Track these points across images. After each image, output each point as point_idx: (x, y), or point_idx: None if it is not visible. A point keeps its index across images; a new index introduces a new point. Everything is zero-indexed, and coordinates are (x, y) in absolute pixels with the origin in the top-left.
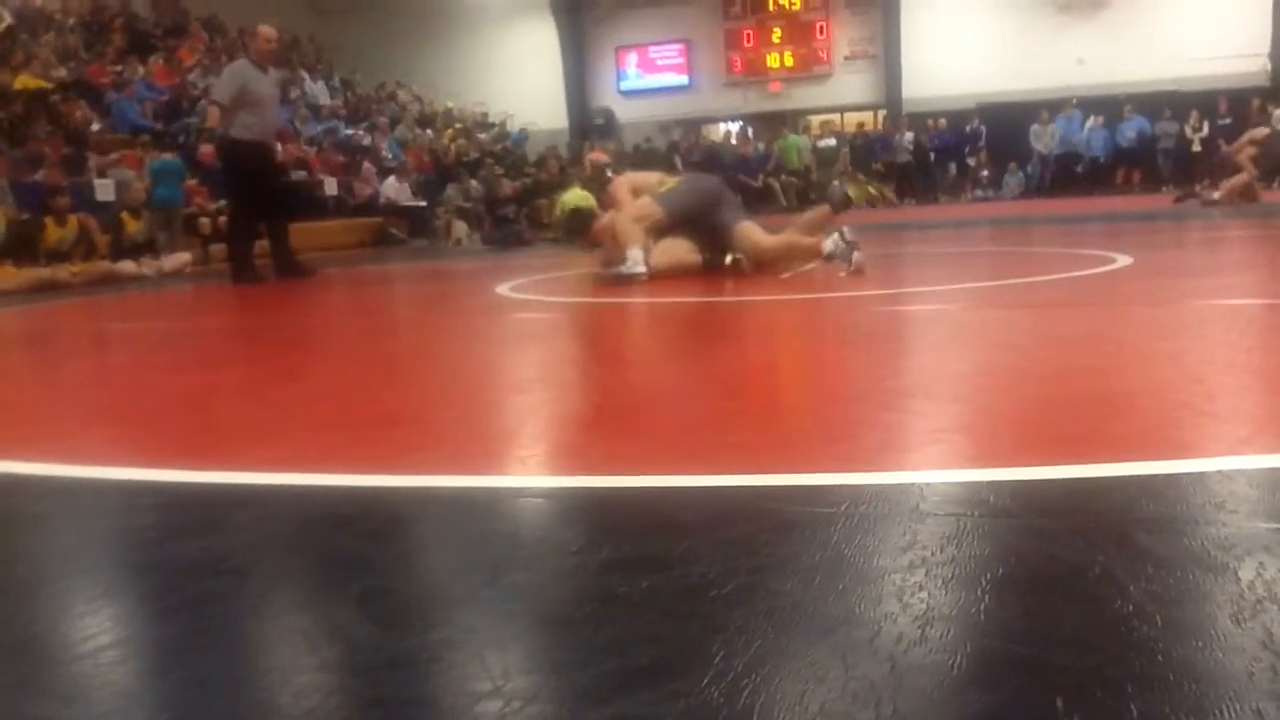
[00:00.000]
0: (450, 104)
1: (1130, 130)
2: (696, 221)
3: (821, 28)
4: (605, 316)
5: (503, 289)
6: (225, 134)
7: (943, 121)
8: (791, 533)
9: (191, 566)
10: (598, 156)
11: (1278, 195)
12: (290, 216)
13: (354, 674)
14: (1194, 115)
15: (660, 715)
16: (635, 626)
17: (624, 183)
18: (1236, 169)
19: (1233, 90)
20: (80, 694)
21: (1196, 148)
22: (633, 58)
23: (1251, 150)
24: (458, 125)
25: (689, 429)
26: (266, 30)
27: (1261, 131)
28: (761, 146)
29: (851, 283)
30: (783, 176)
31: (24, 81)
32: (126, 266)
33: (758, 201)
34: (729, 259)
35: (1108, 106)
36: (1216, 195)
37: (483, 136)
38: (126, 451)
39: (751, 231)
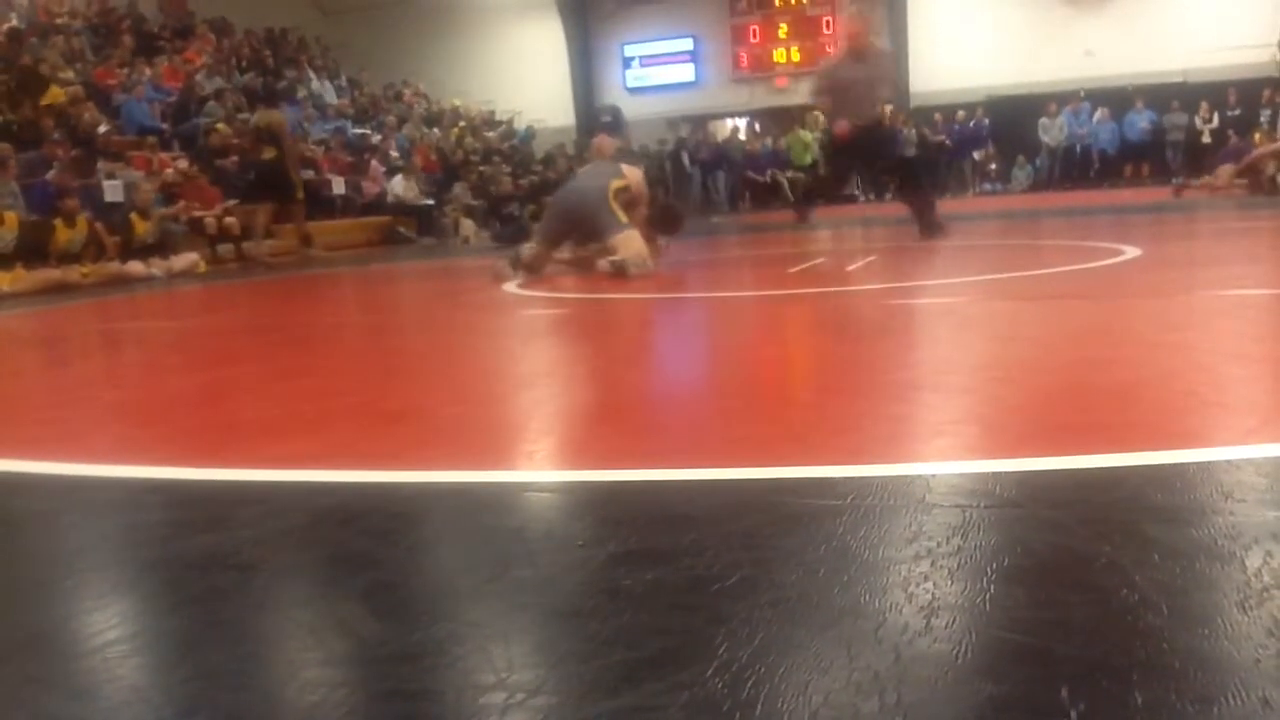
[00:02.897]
0: (457, 102)
1: (1142, 122)
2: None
3: (828, 22)
4: (611, 312)
5: (510, 285)
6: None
7: (960, 113)
8: (797, 525)
9: (200, 562)
10: (604, 142)
11: None
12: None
13: (360, 668)
14: (1204, 106)
15: (665, 706)
16: (640, 619)
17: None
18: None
19: (1242, 81)
20: (90, 689)
21: (1206, 139)
22: (639, 54)
23: (1273, 166)
24: (463, 124)
25: (695, 423)
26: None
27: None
28: (769, 142)
29: (861, 276)
30: (789, 172)
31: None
32: (136, 267)
33: (765, 197)
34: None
35: (1116, 99)
36: (1197, 183)
37: (490, 134)
38: (135, 450)
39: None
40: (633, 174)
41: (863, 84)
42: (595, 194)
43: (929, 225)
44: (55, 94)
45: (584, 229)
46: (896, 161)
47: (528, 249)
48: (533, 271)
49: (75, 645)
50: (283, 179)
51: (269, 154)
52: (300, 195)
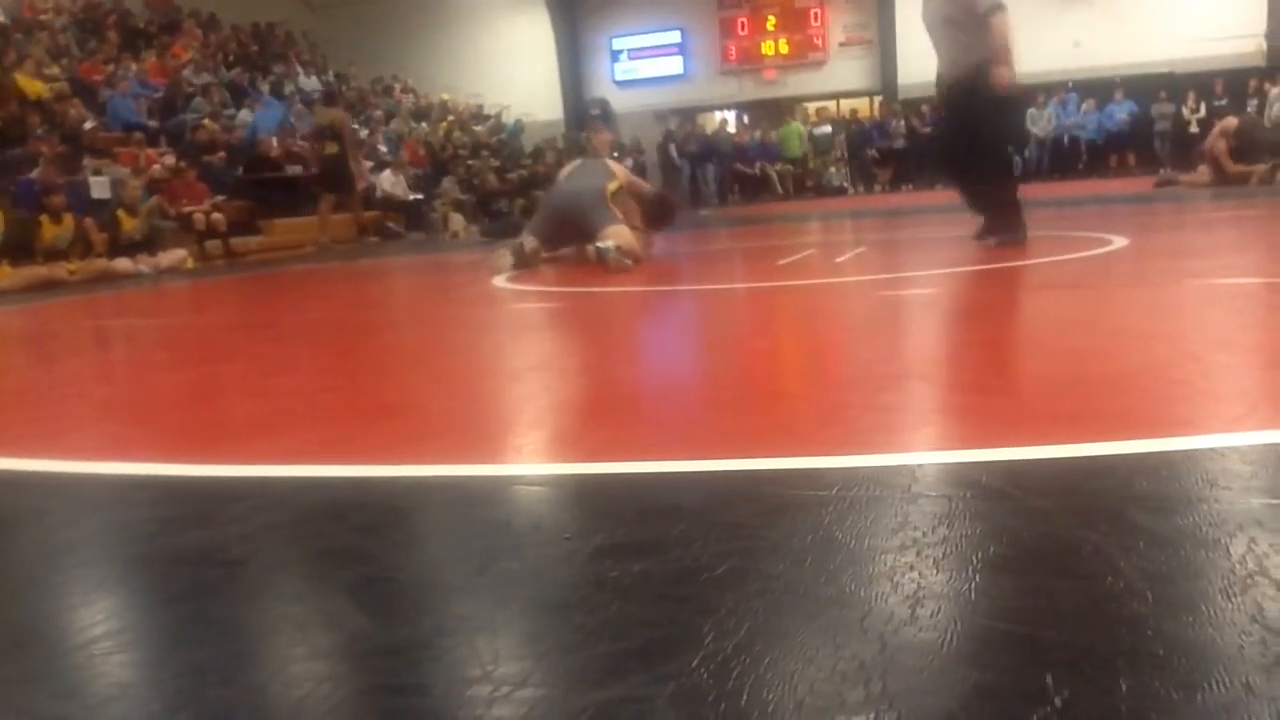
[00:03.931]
0: (445, 96)
1: (1121, 113)
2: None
3: (816, 14)
4: (601, 306)
5: (499, 280)
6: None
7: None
8: (784, 516)
9: (188, 558)
10: (602, 136)
11: None
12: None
13: (347, 662)
14: (1191, 96)
15: (651, 697)
16: (627, 610)
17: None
18: (1215, 161)
19: (1229, 71)
20: (77, 686)
21: (1194, 129)
22: (627, 48)
23: (1222, 144)
24: (451, 118)
25: (683, 415)
26: None
27: (1232, 122)
28: (758, 134)
29: (849, 267)
30: (778, 165)
31: (24, 84)
32: (123, 264)
33: (755, 190)
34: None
35: (1103, 89)
36: (1183, 178)
37: (478, 128)
38: (124, 447)
39: None
40: (621, 171)
41: (949, 27)
42: (591, 195)
43: (1007, 230)
44: (38, 88)
45: (580, 229)
46: (991, 148)
47: (529, 242)
48: (526, 265)
49: (62, 642)
50: (343, 172)
51: (331, 149)
52: (359, 187)
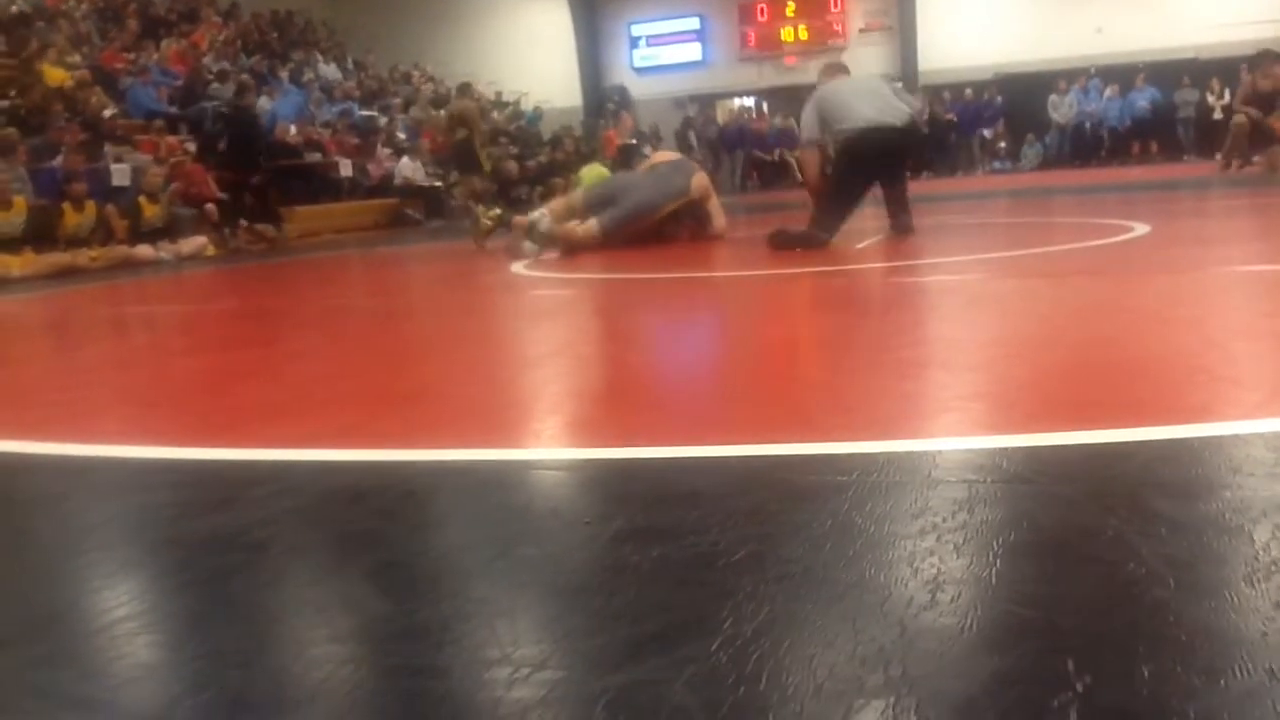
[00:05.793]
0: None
1: (1143, 100)
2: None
3: (836, 1)
4: (618, 292)
5: (517, 267)
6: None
7: (968, 91)
8: (803, 501)
9: (208, 541)
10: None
11: None
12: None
13: (367, 644)
14: (1215, 83)
15: (669, 680)
16: (646, 595)
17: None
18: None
19: (1253, 57)
20: (99, 667)
21: (1218, 115)
22: (646, 34)
23: (1267, 84)
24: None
25: (703, 401)
26: None
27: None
28: (777, 121)
29: (870, 254)
30: (797, 152)
31: (47, 72)
32: (144, 251)
33: (773, 176)
34: None
35: (1126, 75)
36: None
37: (496, 116)
38: (145, 430)
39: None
40: (699, 189)
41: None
42: (647, 208)
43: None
44: (60, 76)
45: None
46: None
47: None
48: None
49: (85, 624)
50: (473, 157)
51: (461, 134)
52: (487, 170)
